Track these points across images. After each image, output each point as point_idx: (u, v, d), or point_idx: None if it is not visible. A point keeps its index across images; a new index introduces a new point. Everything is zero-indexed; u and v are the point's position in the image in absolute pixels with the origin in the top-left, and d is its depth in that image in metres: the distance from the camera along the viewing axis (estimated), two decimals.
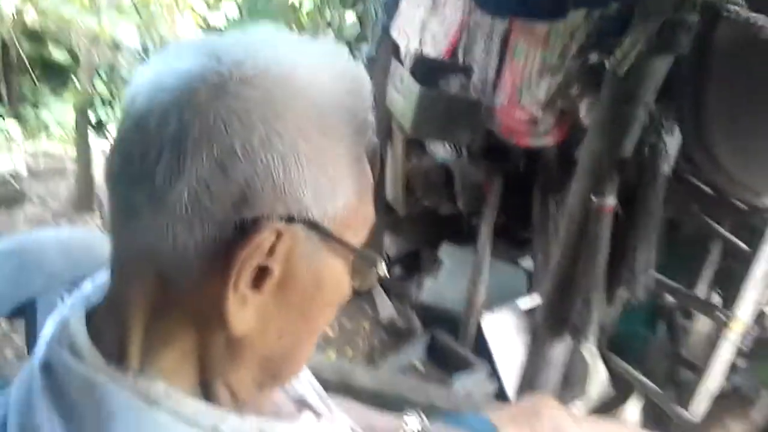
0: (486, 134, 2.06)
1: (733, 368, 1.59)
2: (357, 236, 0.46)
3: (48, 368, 0.45)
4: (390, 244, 3.08)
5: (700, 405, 1.68)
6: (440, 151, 2.67)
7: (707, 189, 1.67)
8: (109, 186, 0.44)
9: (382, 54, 2.48)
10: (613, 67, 1.20)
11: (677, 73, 1.27)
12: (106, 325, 0.45)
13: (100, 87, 4.07)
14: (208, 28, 4.02)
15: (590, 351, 1.99)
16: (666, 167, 1.32)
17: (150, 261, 0.42)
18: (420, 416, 0.85)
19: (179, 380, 0.44)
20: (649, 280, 1.32)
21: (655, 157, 1.21)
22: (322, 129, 0.42)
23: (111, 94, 4.74)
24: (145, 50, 3.54)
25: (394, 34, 2.62)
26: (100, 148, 4.14)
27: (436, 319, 2.44)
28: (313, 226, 0.42)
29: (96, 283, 0.51)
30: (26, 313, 0.67)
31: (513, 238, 2.70)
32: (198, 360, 0.45)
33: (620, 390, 2.01)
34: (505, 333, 2.25)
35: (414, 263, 2.84)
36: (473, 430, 0.86)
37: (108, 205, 0.45)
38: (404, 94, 1.93)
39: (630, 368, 1.95)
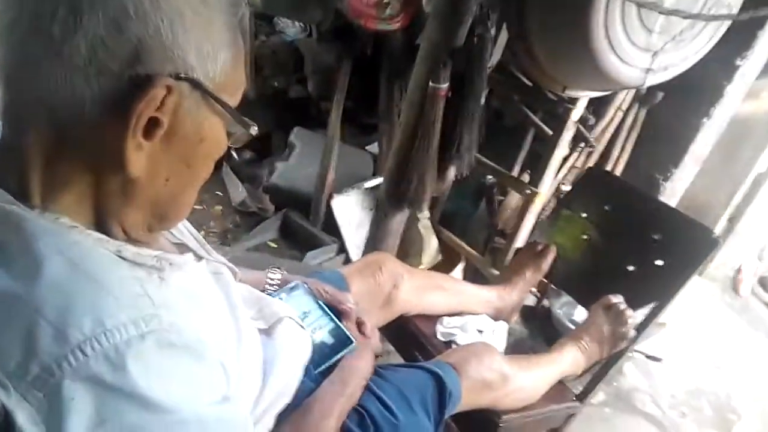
0: (336, 15, 2.08)
1: (532, 233, 1.92)
2: (232, 98, 0.54)
3: None
4: None
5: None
6: (290, 30, 2.62)
7: (526, 81, 1.90)
8: (1, 40, 0.46)
9: None
10: None
11: None
12: (3, 169, 0.49)
13: None
14: None
15: (425, 224, 2.26)
16: (491, 58, 1.49)
17: (47, 109, 0.47)
18: (282, 271, 0.97)
19: (78, 218, 0.50)
20: (471, 158, 1.52)
21: (482, 47, 1.36)
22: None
23: None
24: None
25: None
26: None
27: (287, 200, 2.52)
28: (196, 84, 0.49)
29: None
30: None
31: (360, 123, 2.82)
32: (94, 201, 0.51)
33: (448, 256, 2.33)
34: (352, 212, 2.43)
35: (265, 146, 2.85)
36: (325, 280, 1.01)
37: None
38: None
39: (456, 239, 2.25)
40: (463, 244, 2.22)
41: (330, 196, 2.37)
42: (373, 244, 1.73)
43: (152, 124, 0.49)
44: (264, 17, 2.75)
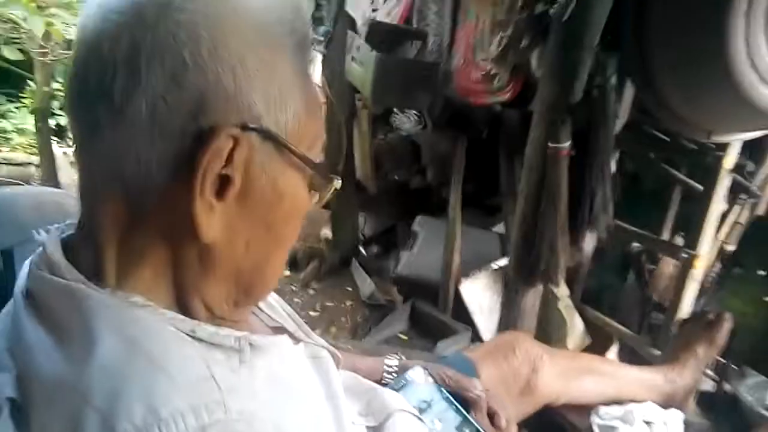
0: (447, 103, 2.09)
1: (697, 302, 1.65)
2: (311, 151, 0.49)
3: (29, 293, 0.48)
4: (365, 223, 3.11)
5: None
6: (405, 125, 2.70)
7: (661, 135, 1.72)
8: (70, 113, 0.46)
9: (339, 30, 2.49)
10: (557, 14, 1.23)
11: (619, 17, 1.31)
12: (82, 248, 0.48)
13: (57, 89, 4.00)
14: None
15: (566, 304, 2.05)
16: (616, 108, 1.36)
17: (116, 179, 0.45)
18: (399, 356, 0.88)
19: (156, 295, 0.46)
20: (610, 220, 1.36)
21: (603, 99, 1.25)
22: (266, 41, 0.45)
23: None
24: None
25: (350, 9, 2.63)
26: (63, 152, 4.09)
27: (415, 290, 2.47)
28: (266, 134, 0.45)
29: (60, 224, 0.53)
30: (4, 264, 0.69)
31: (484, 205, 2.75)
32: (172, 276, 0.47)
33: (597, 339, 2.07)
34: (482, 296, 2.30)
35: (390, 239, 2.87)
36: (448, 364, 0.89)
37: (72, 134, 0.47)
38: (362, 63, 1.95)
39: (605, 317, 2.01)
40: (614, 323, 1.97)
41: (458, 282, 2.28)
42: (506, 327, 1.58)
43: (223, 183, 0.45)
44: (380, 118, 2.88)
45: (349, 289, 2.71)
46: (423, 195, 2.93)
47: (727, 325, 1.28)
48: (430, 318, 2.34)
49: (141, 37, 0.42)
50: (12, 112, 4.90)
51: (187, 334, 0.44)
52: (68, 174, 4.05)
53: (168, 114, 0.42)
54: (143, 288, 0.46)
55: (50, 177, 3.70)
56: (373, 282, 2.65)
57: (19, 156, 4.44)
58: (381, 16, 2.20)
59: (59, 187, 3.76)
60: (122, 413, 0.37)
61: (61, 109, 4.34)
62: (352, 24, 2.56)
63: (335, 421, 0.56)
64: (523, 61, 1.56)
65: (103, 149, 0.44)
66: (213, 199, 0.44)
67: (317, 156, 0.51)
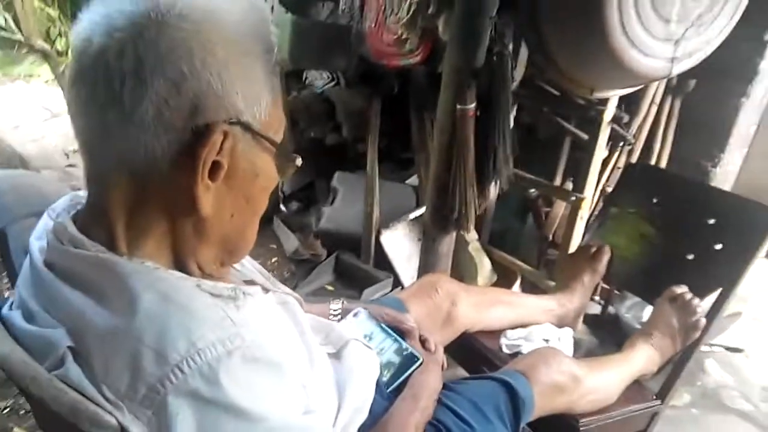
0: (359, 61, 2.18)
1: (583, 236, 1.90)
2: (277, 135, 0.61)
3: (53, 264, 0.57)
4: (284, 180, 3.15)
5: None
6: (318, 81, 2.74)
7: (553, 90, 1.93)
8: (79, 115, 0.55)
9: None
10: None
11: None
12: (93, 225, 0.58)
13: None
14: None
15: (474, 246, 2.27)
16: (514, 74, 1.53)
17: (125, 168, 0.54)
18: (342, 300, 1.02)
19: (160, 260, 0.58)
20: (510, 172, 1.55)
21: (502, 64, 1.40)
22: (243, 51, 0.55)
23: None
24: None
25: None
26: None
27: (338, 243, 2.58)
28: (246, 126, 0.57)
29: (62, 206, 0.62)
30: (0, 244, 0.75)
31: (397, 159, 2.89)
32: (172, 243, 0.59)
33: (503, 275, 2.32)
34: (401, 244, 2.47)
35: (309, 195, 2.95)
36: (383, 305, 1.05)
37: (77, 131, 0.55)
38: (277, 25, 1.96)
39: (509, 256, 2.25)
40: (517, 261, 2.22)
41: (378, 233, 2.42)
42: (425, 271, 1.75)
43: (215, 167, 0.56)
44: (293, 74, 2.90)
45: (273, 246, 2.78)
46: (339, 151, 3.02)
47: (606, 256, 1.52)
48: (354, 268, 2.48)
49: (144, 53, 0.50)
50: None
51: (195, 287, 0.56)
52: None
53: (170, 114, 0.52)
54: (149, 255, 0.57)
55: None
56: (297, 238, 2.73)
57: None
58: None
59: None
60: (170, 347, 0.50)
61: None
62: None
63: (307, 350, 0.71)
64: (431, 26, 1.67)
65: (112, 144, 0.53)
66: (209, 181, 0.55)
67: (280, 138, 0.62)
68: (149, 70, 0.51)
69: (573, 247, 1.99)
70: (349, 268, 2.51)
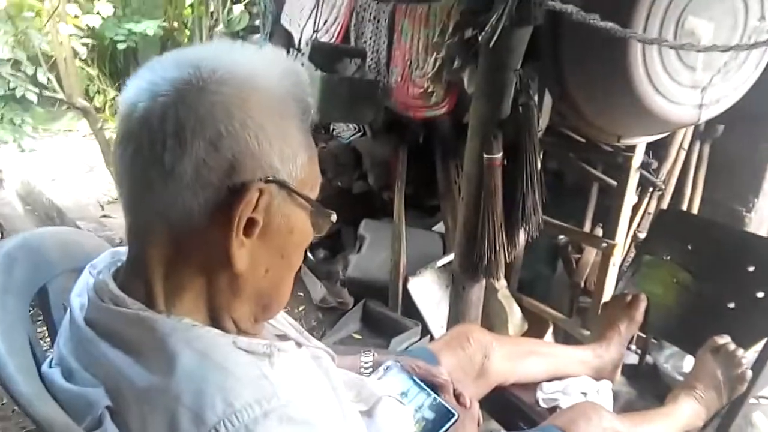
0: (386, 112, 2.23)
1: (617, 282, 1.86)
2: (312, 192, 0.62)
3: (93, 322, 0.58)
4: None
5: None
6: (345, 133, 2.81)
7: (578, 137, 1.93)
8: (123, 174, 0.57)
9: (275, 43, 2.56)
10: (485, 39, 1.38)
11: (538, 41, 1.49)
12: (132, 281, 0.59)
13: None
14: (88, 29, 3.86)
15: (504, 294, 2.24)
16: (539, 122, 1.54)
17: (163, 224, 0.56)
18: (373, 352, 1.01)
19: (197, 317, 0.58)
20: (538, 219, 1.54)
21: (527, 114, 1.42)
22: (280, 112, 0.57)
23: None
24: (16, 62, 3.36)
25: (285, 23, 2.71)
26: None
27: (365, 290, 2.57)
28: (282, 184, 0.58)
29: (103, 262, 0.64)
30: (41, 299, 0.77)
31: (423, 206, 2.90)
32: (207, 299, 0.60)
33: (534, 324, 2.27)
34: (429, 291, 2.45)
35: (336, 243, 2.97)
36: (415, 357, 1.03)
37: (121, 190, 0.58)
38: None
39: (539, 304, 2.21)
40: (548, 308, 2.17)
41: (405, 280, 2.41)
42: (455, 319, 1.73)
43: (250, 223, 0.57)
44: (321, 126, 2.97)
45: (300, 294, 2.78)
46: (365, 199, 3.05)
47: (642, 305, 1.48)
48: (382, 316, 2.45)
49: (185, 116, 0.53)
50: None
51: (231, 344, 0.56)
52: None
53: (208, 173, 0.54)
54: (186, 312, 0.58)
55: None
56: (324, 285, 2.73)
57: None
58: (320, 33, 2.31)
59: None
60: (207, 407, 0.50)
61: None
62: (288, 37, 2.64)
63: (341, 407, 0.69)
64: (456, 79, 1.71)
65: (153, 201, 0.55)
66: (243, 237, 0.56)
67: (316, 195, 0.64)
68: (189, 132, 0.53)
69: (606, 295, 1.95)
70: (376, 316, 2.49)
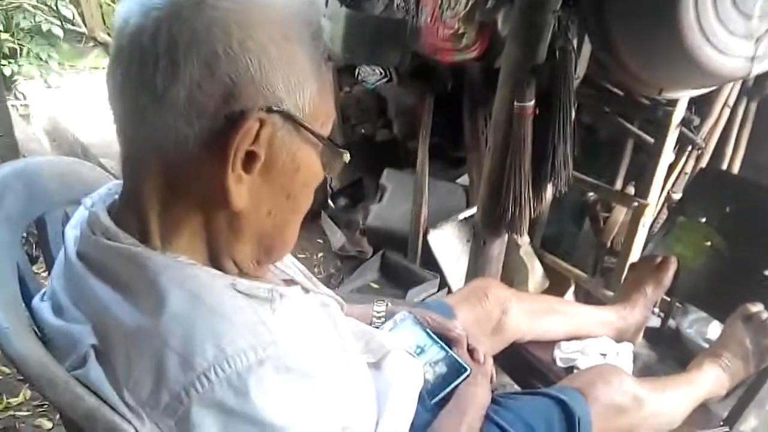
0: (413, 57, 2.13)
1: (645, 244, 1.79)
2: (323, 128, 0.56)
3: (85, 256, 0.54)
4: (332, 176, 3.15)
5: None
6: (371, 78, 2.71)
7: (616, 90, 1.82)
8: (115, 97, 0.52)
9: None
10: None
11: None
12: (127, 216, 0.55)
13: (5, 39, 3.80)
14: None
15: (526, 250, 2.19)
16: (576, 70, 1.44)
17: (157, 155, 0.51)
18: (386, 302, 0.98)
19: (194, 256, 0.54)
20: (569, 174, 1.46)
21: (565, 60, 1.32)
22: (286, 34, 0.51)
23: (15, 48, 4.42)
24: None
25: None
26: (11, 104, 3.92)
27: (384, 240, 2.56)
28: (287, 115, 0.52)
29: (99, 195, 0.59)
30: (38, 229, 0.74)
31: (448, 157, 2.83)
32: (206, 238, 0.55)
33: (556, 281, 2.22)
34: (450, 245, 2.41)
35: (357, 192, 2.93)
36: (430, 309, 0.99)
37: (114, 114, 0.53)
38: (331, 18, 1.95)
39: (562, 262, 2.15)
40: (571, 267, 2.12)
41: (426, 232, 2.38)
42: (474, 274, 1.69)
43: (250, 158, 0.51)
44: (345, 69, 2.88)
45: (320, 241, 2.77)
46: (388, 148, 2.98)
47: (672, 267, 1.41)
48: (400, 267, 2.44)
49: (178, 32, 0.47)
50: None
51: (230, 287, 0.52)
52: (21, 129, 3.91)
53: (203, 98, 0.48)
54: (183, 250, 0.53)
55: (7, 132, 3.56)
56: (343, 234, 2.72)
57: None
58: None
59: (15, 143, 3.63)
60: (197, 352, 0.46)
61: (9, 62, 4.13)
62: None
63: (347, 357, 0.66)
64: (489, 20, 1.61)
65: (145, 129, 0.50)
66: (242, 172, 0.51)
67: (328, 132, 0.58)
68: (183, 51, 0.47)
69: (633, 256, 1.88)
70: (395, 266, 2.48)
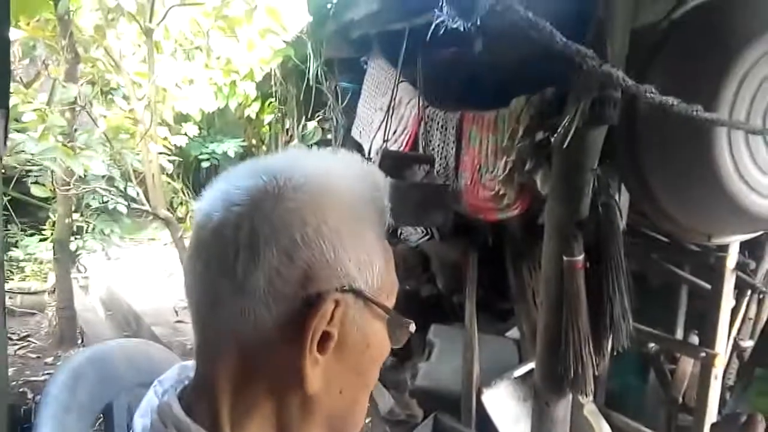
0: (454, 215, 2.21)
1: (722, 400, 1.66)
2: (389, 300, 0.57)
3: None
4: None
5: None
6: (413, 236, 2.80)
7: (662, 238, 1.83)
8: (192, 286, 0.54)
9: None
10: (558, 142, 1.37)
11: (614, 140, 1.46)
12: (198, 404, 0.54)
13: (75, 220, 4.15)
14: (175, 149, 4.20)
15: (590, 410, 2.04)
16: (621, 221, 1.47)
17: (233, 340, 0.52)
18: None
19: None
20: (628, 326, 1.42)
21: (609, 214, 1.36)
22: (356, 218, 0.54)
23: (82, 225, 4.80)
24: (110, 178, 3.67)
25: (356, 135, 2.84)
26: (73, 278, 4.15)
27: (435, 402, 2.43)
28: (359, 293, 0.53)
29: (169, 380, 0.60)
30: (105, 417, 0.74)
31: (494, 310, 2.79)
32: (277, 424, 0.53)
33: None
34: (506, 405, 2.27)
35: (405, 350, 2.86)
36: None
37: (190, 302, 0.55)
38: None
39: (630, 421, 1.99)
40: (642, 427, 1.95)
41: (479, 392, 2.26)
42: None
43: (324, 338, 0.52)
44: (388, 230, 2.99)
45: (368, 405, 2.65)
46: (434, 303, 2.97)
47: (761, 427, 1.28)
48: (454, 431, 2.29)
49: (259, 224, 0.51)
50: (22, 240, 5.02)
51: None
52: (80, 300, 4.10)
53: (282, 284, 0.50)
54: None
55: (68, 305, 3.74)
56: (391, 396, 2.61)
57: (32, 284, 4.51)
58: (389, 143, 2.39)
59: (74, 316, 3.78)
60: None
61: (75, 237, 4.45)
62: (358, 148, 2.75)
63: None
64: (528, 181, 1.69)
65: (223, 315, 0.52)
66: (318, 354, 0.52)
67: (393, 303, 0.59)
68: (263, 241, 0.50)
69: (710, 412, 1.73)
70: (449, 430, 2.32)
